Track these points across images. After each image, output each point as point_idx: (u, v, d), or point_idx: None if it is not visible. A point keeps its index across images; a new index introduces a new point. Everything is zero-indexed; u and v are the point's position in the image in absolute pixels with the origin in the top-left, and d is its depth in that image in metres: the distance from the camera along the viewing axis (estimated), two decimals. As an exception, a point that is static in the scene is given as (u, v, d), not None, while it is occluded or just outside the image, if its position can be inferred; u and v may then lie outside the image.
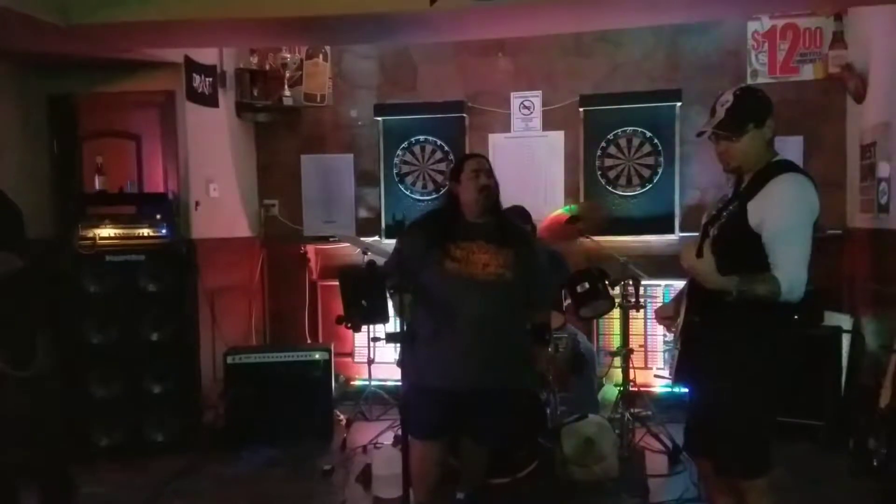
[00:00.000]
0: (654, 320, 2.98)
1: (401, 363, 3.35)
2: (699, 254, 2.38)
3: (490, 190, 3.17)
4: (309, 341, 5.75)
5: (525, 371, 3.33)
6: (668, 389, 4.97)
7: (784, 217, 2.36)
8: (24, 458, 3.23)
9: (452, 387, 3.05)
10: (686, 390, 2.88)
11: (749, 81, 5.17)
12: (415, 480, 2.97)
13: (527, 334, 3.32)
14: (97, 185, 4.76)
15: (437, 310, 3.07)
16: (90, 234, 4.43)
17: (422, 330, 3.02)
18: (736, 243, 2.41)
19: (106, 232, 4.48)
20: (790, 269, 2.33)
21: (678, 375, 2.65)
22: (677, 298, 2.75)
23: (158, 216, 4.59)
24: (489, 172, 3.20)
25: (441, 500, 3.42)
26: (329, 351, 4.88)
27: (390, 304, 3.04)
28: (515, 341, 3.22)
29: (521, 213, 4.66)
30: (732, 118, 2.48)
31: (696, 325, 2.52)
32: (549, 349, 3.87)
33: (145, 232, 4.55)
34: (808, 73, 5.22)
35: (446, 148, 5.70)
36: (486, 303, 3.05)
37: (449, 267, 3.07)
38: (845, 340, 4.62)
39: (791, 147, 5.03)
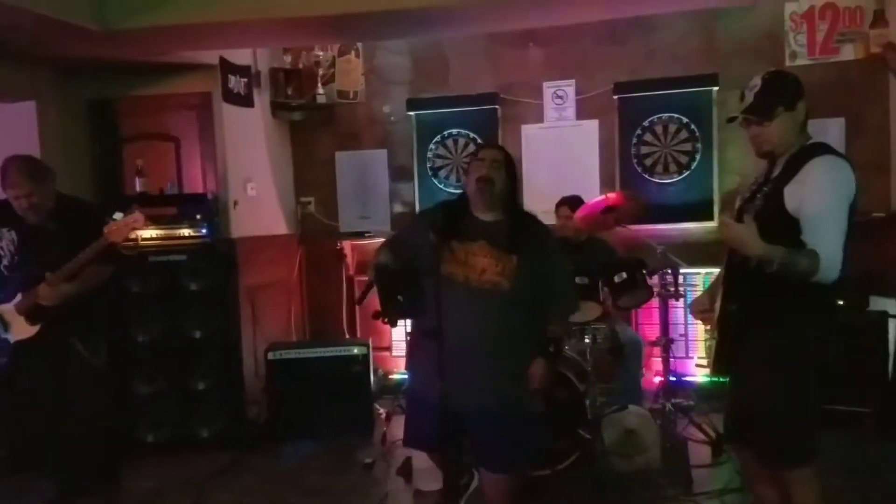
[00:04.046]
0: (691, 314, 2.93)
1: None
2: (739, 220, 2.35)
3: (489, 182, 2.83)
4: (348, 336, 5.80)
5: (522, 393, 2.90)
6: (710, 379, 4.91)
7: (822, 200, 2.32)
8: (83, 445, 3.41)
9: (440, 401, 2.64)
10: (726, 380, 2.85)
11: (788, 63, 5.07)
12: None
13: (528, 351, 2.92)
14: (138, 187, 4.84)
15: (429, 311, 2.70)
16: (133, 236, 4.51)
17: (419, 331, 2.86)
18: (772, 227, 2.36)
19: (148, 233, 4.57)
20: (828, 249, 2.28)
21: (717, 366, 2.61)
22: (711, 289, 2.72)
23: (199, 216, 4.67)
24: (496, 164, 2.87)
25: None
26: (367, 345, 4.91)
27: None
28: (512, 359, 2.86)
29: (573, 202, 4.66)
30: (762, 102, 2.45)
31: (734, 313, 2.48)
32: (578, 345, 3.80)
33: (186, 232, 4.64)
34: (848, 53, 5.09)
35: (479, 140, 5.68)
36: (477, 312, 2.77)
37: (444, 269, 2.77)
38: (892, 325, 4.51)
39: (833, 129, 4.92)
